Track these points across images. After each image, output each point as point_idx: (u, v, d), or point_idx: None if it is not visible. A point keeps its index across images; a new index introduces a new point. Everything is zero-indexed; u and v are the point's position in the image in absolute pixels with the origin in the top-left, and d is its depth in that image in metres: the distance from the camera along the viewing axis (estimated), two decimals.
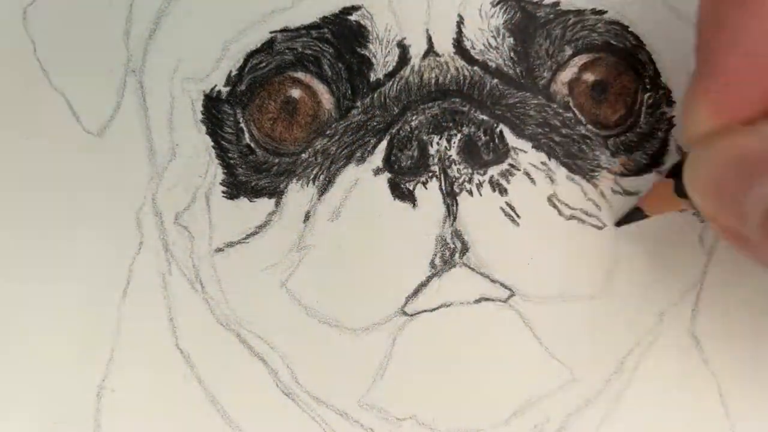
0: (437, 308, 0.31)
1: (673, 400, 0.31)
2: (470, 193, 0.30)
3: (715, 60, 0.24)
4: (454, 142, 0.30)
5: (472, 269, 0.30)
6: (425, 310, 0.31)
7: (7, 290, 0.32)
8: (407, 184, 0.30)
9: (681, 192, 0.27)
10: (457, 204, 0.30)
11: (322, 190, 0.31)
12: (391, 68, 0.31)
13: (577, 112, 0.32)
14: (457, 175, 0.30)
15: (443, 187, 0.30)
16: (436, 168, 0.30)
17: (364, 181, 0.31)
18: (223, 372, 0.32)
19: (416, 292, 0.31)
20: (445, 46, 0.31)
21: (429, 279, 0.31)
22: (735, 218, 0.24)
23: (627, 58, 0.32)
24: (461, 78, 0.31)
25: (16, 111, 0.33)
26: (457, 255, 0.30)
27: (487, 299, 0.31)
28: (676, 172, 0.27)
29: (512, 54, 0.31)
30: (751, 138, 0.24)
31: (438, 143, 0.30)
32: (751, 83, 0.24)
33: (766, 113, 0.24)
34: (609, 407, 0.31)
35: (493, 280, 0.30)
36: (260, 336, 0.32)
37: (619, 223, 0.31)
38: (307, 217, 0.31)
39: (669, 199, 0.28)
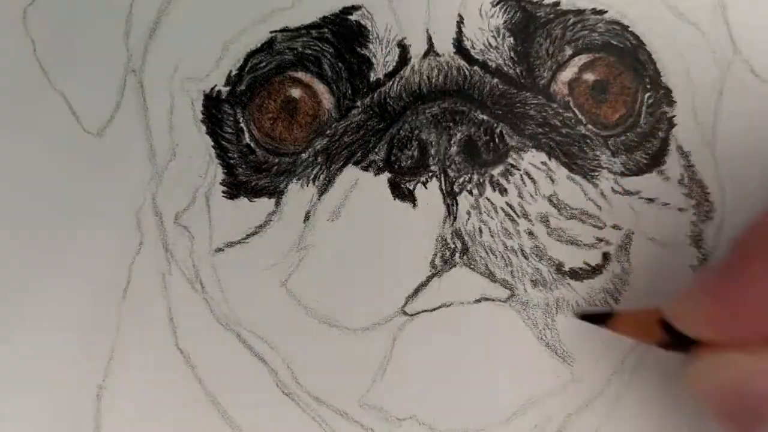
0: (437, 308, 0.31)
1: (673, 401, 0.31)
2: (470, 193, 0.30)
3: (746, 274, 0.24)
4: (454, 142, 0.30)
5: (472, 269, 0.30)
6: (425, 310, 0.31)
7: (7, 290, 0.32)
8: (407, 184, 0.30)
9: (666, 345, 0.27)
10: (457, 204, 0.30)
11: (322, 190, 0.31)
12: (391, 68, 0.31)
13: (577, 111, 0.32)
14: (457, 175, 0.30)
15: (443, 187, 0.30)
16: (436, 168, 0.30)
17: (364, 181, 0.31)
18: (223, 372, 0.32)
19: (416, 292, 0.31)
20: (445, 45, 0.31)
21: (429, 279, 0.31)
22: None
23: (627, 58, 0.32)
24: (461, 78, 0.31)
25: (16, 111, 0.33)
26: (457, 255, 0.30)
27: (487, 299, 0.31)
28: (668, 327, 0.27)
29: (512, 54, 0.31)
30: (756, 374, 0.24)
31: (438, 143, 0.30)
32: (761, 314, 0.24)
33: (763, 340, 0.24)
34: (609, 407, 0.31)
35: (493, 280, 0.30)
36: (260, 336, 0.32)
37: (582, 317, 0.31)
38: (307, 217, 0.31)
39: (646, 336, 0.28)
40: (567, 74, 0.32)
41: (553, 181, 0.31)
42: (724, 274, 0.25)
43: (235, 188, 0.32)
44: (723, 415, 0.25)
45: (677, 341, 0.27)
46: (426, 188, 0.30)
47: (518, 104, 0.31)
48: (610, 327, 0.30)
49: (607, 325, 0.30)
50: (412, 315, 0.31)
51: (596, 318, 0.30)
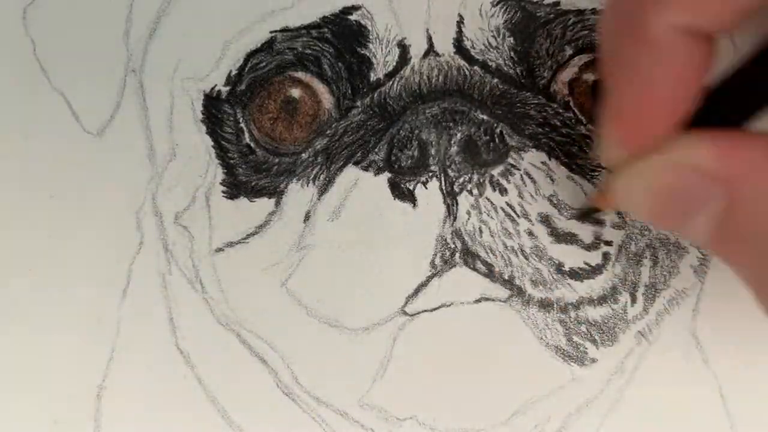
0: (437, 308, 0.31)
1: (673, 400, 0.31)
2: (470, 193, 0.30)
3: (617, 89, 0.24)
4: (454, 142, 0.30)
5: (472, 269, 0.30)
6: (425, 310, 0.31)
7: (7, 290, 0.32)
8: (407, 184, 0.30)
9: None
10: (457, 204, 0.30)
11: (322, 190, 0.31)
12: (391, 68, 0.31)
13: (577, 111, 0.32)
14: (457, 174, 0.30)
15: (443, 187, 0.30)
16: (436, 168, 0.30)
17: (364, 181, 0.31)
18: (223, 372, 0.32)
19: (416, 292, 0.31)
20: (445, 45, 0.31)
21: (429, 279, 0.31)
22: (683, 236, 0.25)
23: None
24: (461, 78, 0.31)
25: (16, 111, 0.33)
26: (457, 255, 0.30)
27: (487, 299, 0.31)
28: None
29: (512, 54, 0.31)
30: (672, 172, 0.24)
31: (438, 143, 0.30)
32: (651, 103, 0.24)
33: (676, 129, 0.24)
34: (609, 407, 0.31)
35: (493, 280, 0.30)
36: (260, 336, 0.32)
37: (578, 218, 0.31)
38: (307, 217, 0.31)
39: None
40: (567, 74, 0.32)
41: (553, 181, 0.31)
42: (606, 96, 0.25)
43: (235, 188, 0.32)
44: (657, 220, 0.26)
45: None
46: (426, 188, 0.30)
47: (518, 104, 0.31)
48: (599, 207, 0.30)
49: (598, 210, 0.30)
50: (412, 315, 0.31)
51: (587, 214, 0.31)
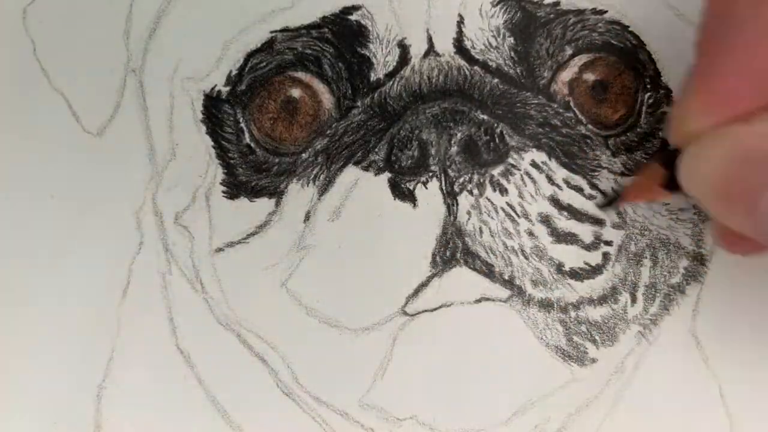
0: (437, 308, 0.31)
1: (673, 400, 0.31)
2: (470, 193, 0.30)
3: (715, 58, 0.24)
4: (455, 142, 0.30)
5: (473, 269, 0.30)
6: (425, 310, 0.31)
7: (7, 290, 0.32)
8: (407, 184, 0.30)
9: (671, 185, 0.26)
10: (457, 204, 0.30)
11: (322, 190, 0.31)
12: (391, 68, 0.31)
13: (577, 111, 0.32)
14: (457, 174, 0.30)
15: (443, 187, 0.30)
16: (436, 168, 0.30)
17: (364, 181, 0.31)
18: (223, 372, 0.32)
19: (416, 292, 0.31)
20: (445, 45, 0.31)
21: (429, 279, 0.31)
22: (745, 219, 0.23)
23: (627, 58, 0.32)
24: (462, 78, 0.31)
25: (16, 111, 0.33)
26: (457, 255, 0.30)
27: (487, 299, 0.31)
28: (668, 163, 0.26)
29: (513, 54, 0.31)
30: (756, 137, 0.23)
31: (438, 143, 0.30)
32: (749, 81, 0.23)
33: (760, 109, 0.23)
34: (609, 407, 0.31)
35: (493, 280, 0.30)
36: (260, 336, 0.32)
37: (602, 206, 0.31)
38: (307, 217, 0.31)
39: (655, 189, 0.28)
40: (567, 74, 0.32)
41: (553, 181, 0.31)
42: (699, 66, 0.24)
43: (235, 188, 0.32)
44: (725, 194, 0.24)
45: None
46: (426, 188, 0.30)
47: (518, 104, 0.31)
48: (626, 200, 0.30)
49: (622, 201, 0.30)
50: (412, 315, 0.31)
51: (612, 202, 0.31)
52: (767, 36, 0.23)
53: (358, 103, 0.31)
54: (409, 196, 0.30)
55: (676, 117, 0.25)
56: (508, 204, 0.30)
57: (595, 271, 0.31)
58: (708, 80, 0.24)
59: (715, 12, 0.24)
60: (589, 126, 0.31)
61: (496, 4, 0.32)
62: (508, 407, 0.31)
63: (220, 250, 0.32)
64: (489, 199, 0.30)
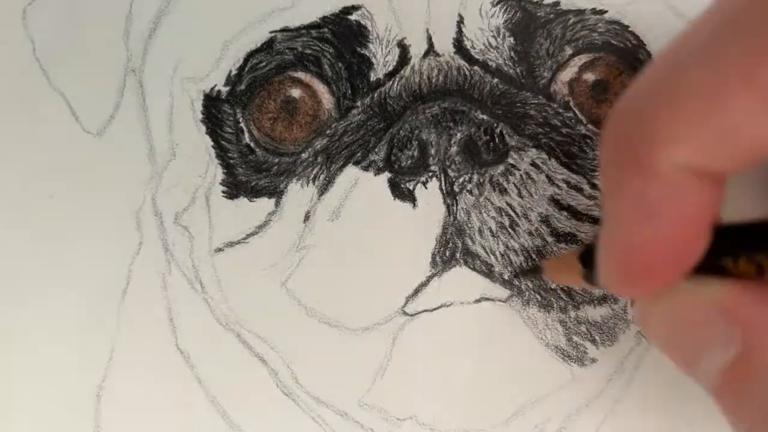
0: (437, 308, 0.31)
1: (673, 401, 0.31)
2: (470, 193, 0.30)
3: (610, 216, 0.23)
4: (455, 142, 0.30)
5: (472, 269, 0.30)
6: (425, 310, 0.31)
7: (7, 290, 0.32)
8: (407, 184, 0.30)
9: (589, 279, 0.26)
10: (457, 204, 0.30)
11: (322, 190, 0.31)
12: (391, 68, 0.31)
13: (577, 111, 0.32)
14: (457, 174, 0.30)
15: (443, 187, 0.30)
16: (436, 168, 0.30)
17: (364, 181, 0.31)
18: (223, 372, 0.32)
19: (416, 292, 0.31)
20: (445, 45, 0.31)
21: (429, 279, 0.31)
22: (691, 375, 0.24)
23: (627, 58, 0.32)
24: (461, 78, 0.31)
25: (16, 111, 0.33)
26: (457, 255, 0.30)
27: (487, 299, 0.31)
28: (587, 258, 0.26)
29: (512, 54, 0.31)
30: (694, 306, 0.23)
31: (438, 143, 0.30)
32: (656, 242, 0.22)
33: (684, 270, 0.23)
34: (609, 407, 0.31)
35: (493, 280, 0.30)
36: (260, 336, 0.32)
37: (516, 275, 0.30)
38: (307, 217, 0.31)
39: (574, 278, 0.27)
40: (567, 74, 0.32)
41: (553, 181, 0.31)
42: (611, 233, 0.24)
43: (235, 188, 0.32)
44: (669, 351, 0.25)
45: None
46: (426, 188, 0.30)
47: (518, 104, 0.31)
48: (543, 275, 0.30)
49: (540, 275, 0.30)
50: (412, 315, 0.31)
51: (528, 273, 0.30)
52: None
53: (358, 103, 0.31)
54: (409, 196, 0.30)
55: (602, 279, 0.25)
56: (508, 204, 0.30)
57: None
58: (618, 248, 0.23)
59: (607, 178, 0.24)
60: (589, 126, 0.31)
61: (496, 4, 0.32)
62: (508, 407, 0.31)
63: (220, 250, 0.32)
64: (489, 199, 0.30)
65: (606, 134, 0.23)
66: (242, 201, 0.32)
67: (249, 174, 0.32)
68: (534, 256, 0.30)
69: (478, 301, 0.31)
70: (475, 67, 0.31)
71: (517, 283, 0.30)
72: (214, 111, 0.32)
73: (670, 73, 0.22)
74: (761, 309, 0.22)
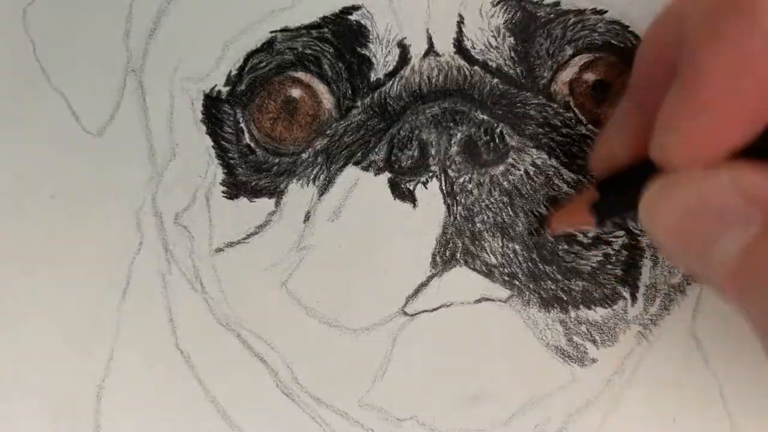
0: (437, 308, 0.31)
1: (673, 401, 0.31)
2: (470, 193, 0.30)
3: (701, 69, 0.23)
4: (455, 142, 0.30)
5: (472, 269, 0.30)
6: (425, 310, 0.31)
7: (7, 290, 0.32)
8: (407, 184, 0.30)
9: (599, 213, 0.27)
10: (457, 204, 0.30)
11: (322, 190, 0.31)
12: (391, 68, 0.31)
13: (577, 111, 0.32)
14: (457, 175, 0.30)
15: (443, 187, 0.30)
16: (436, 168, 0.30)
17: (364, 181, 0.31)
18: (223, 372, 0.32)
19: (416, 292, 0.31)
20: (445, 45, 0.31)
21: (429, 279, 0.31)
22: (699, 265, 0.24)
23: (628, 58, 0.32)
24: (461, 78, 0.31)
25: (16, 111, 0.33)
26: (457, 255, 0.30)
27: (487, 299, 0.31)
28: (603, 190, 0.27)
29: (513, 54, 0.31)
30: (714, 189, 0.23)
31: (438, 143, 0.30)
32: (731, 117, 0.23)
33: (738, 149, 0.23)
34: (609, 407, 0.31)
35: (493, 280, 0.30)
36: (260, 336, 0.32)
37: (531, 228, 0.31)
38: (307, 217, 0.31)
39: (582, 213, 0.28)
40: (567, 74, 0.32)
41: (553, 181, 0.31)
42: (681, 98, 0.23)
43: (235, 188, 0.32)
44: (680, 239, 0.24)
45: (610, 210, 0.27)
46: (426, 188, 0.30)
47: (518, 104, 0.31)
48: (552, 226, 0.30)
49: (550, 226, 0.30)
50: (412, 315, 0.31)
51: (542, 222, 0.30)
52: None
53: (358, 103, 0.31)
54: (409, 196, 0.30)
55: (660, 138, 0.25)
56: (508, 204, 0.30)
57: (595, 271, 0.31)
58: (696, 112, 0.23)
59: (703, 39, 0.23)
60: (590, 126, 0.31)
61: (496, 4, 0.32)
62: (508, 407, 0.31)
63: (220, 250, 0.32)
64: (489, 200, 0.30)
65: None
66: (242, 201, 0.32)
67: (249, 174, 0.32)
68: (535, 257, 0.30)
69: (478, 301, 0.31)
70: (476, 67, 0.31)
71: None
72: (214, 111, 0.32)
73: None
74: None
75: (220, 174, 0.32)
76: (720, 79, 0.22)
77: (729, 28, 0.22)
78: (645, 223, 0.25)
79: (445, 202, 0.30)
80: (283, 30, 0.32)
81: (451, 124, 0.30)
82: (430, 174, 0.30)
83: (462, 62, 0.31)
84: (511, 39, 0.31)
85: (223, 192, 0.32)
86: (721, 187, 0.23)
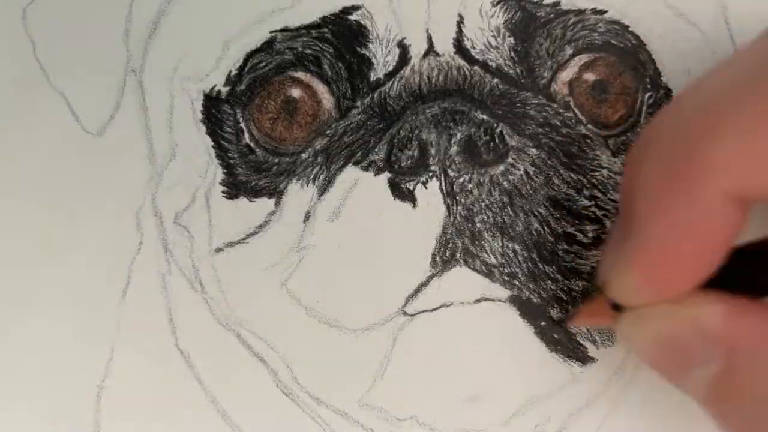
0: (437, 308, 0.31)
1: (673, 401, 0.31)
2: (470, 192, 0.30)
3: (647, 233, 0.24)
4: (455, 142, 0.30)
5: (472, 269, 0.30)
6: (425, 310, 0.31)
7: (7, 290, 0.32)
8: (407, 184, 0.30)
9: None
10: (457, 204, 0.30)
11: (322, 190, 0.31)
12: (391, 68, 0.31)
13: (577, 111, 0.32)
14: (457, 174, 0.30)
15: (443, 187, 0.30)
16: (436, 168, 0.30)
17: (364, 181, 0.31)
18: (223, 372, 0.32)
19: (416, 292, 0.31)
20: (445, 45, 0.31)
21: (429, 279, 0.31)
22: (680, 387, 0.25)
23: (627, 58, 0.32)
24: (461, 78, 0.31)
25: (16, 111, 0.33)
26: (457, 255, 0.30)
27: (487, 299, 0.31)
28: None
29: (512, 54, 0.31)
30: (676, 328, 0.24)
31: (438, 143, 0.30)
32: (683, 258, 0.24)
33: (696, 285, 0.24)
34: (610, 407, 0.31)
35: (493, 280, 0.30)
36: (260, 336, 0.32)
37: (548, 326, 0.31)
38: (307, 217, 0.31)
39: (606, 315, 0.28)
40: (567, 74, 0.32)
41: (553, 181, 0.31)
42: (630, 242, 0.25)
43: (235, 188, 0.32)
44: (657, 367, 0.26)
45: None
46: (426, 188, 0.30)
47: (518, 104, 0.31)
48: (574, 324, 0.30)
49: (569, 324, 0.31)
50: (412, 315, 0.31)
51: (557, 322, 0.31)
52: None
53: (358, 103, 0.31)
54: (409, 196, 0.30)
55: (611, 283, 0.26)
56: (508, 204, 0.30)
57: (595, 271, 0.31)
58: (646, 257, 0.24)
59: (632, 189, 0.25)
60: (589, 126, 0.31)
61: (496, 4, 0.32)
62: (508, 407, 0.31)
63: (219, 250, 0.32)
64: (489, 199, 0.30)
65: (648, 152, 0.24)
66: (242, 201, 0.32)
67: (249, 174, 0.32)
68: (537, 262, 0.30)
69: (478, 301, 0.31)
70: (475, 67, 0.31)
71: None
72: (214, 111, 0.32)
73: (719, 97, 0.23)
74: (746, 328, 0.24)
75: (220, 174, 0.32)
76: (662, 245, 0.24)
77: (671, 201, 0.23)
78: (625, 344, 0.27)
79: (445, 202, 0.30)
80: (283, 30, 0.32)
81: (451, 124, 0.30)
82: (430, 174, 0.30)
83: (462, 62, 0.31)
84: (511, 39, 0.31)
85: (223, 192, 0.32)
86: (681, 326, 0.24)
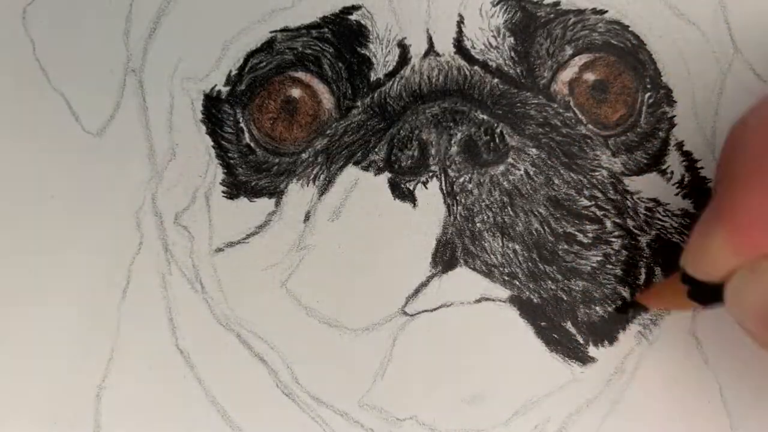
0: (437, 308, 0.31)
1: (673, 401, 0.31)
2: (470, 192, 0.30)
3: (742, 199, 0.24)
4: (455, 142, 0.30)
5: (472, 269, 0.30)
6: (425, 310, 0.31)
7: (7, 290, 0.32)
8: (407, 184, 0.30)
9: (697, 297, 0.27)
10: (457, 204, 0.30)
11: (322, 190, 0.31)
12: (391, 68, 0.31)
13: (577, 111, 0.32)
14: (457, 174, 0.30)
15: (443, 187, 0.30)
16: (436, 168, 0.30)
17: (364, 181, 0.31)
18: (223, 372, 0.32)
19: (416, 292, 0.31)
20: (445, 45, 0.31)
21: (429, 279, 0.31)
22: None
23: (627, 58, 0.32)
24: (461, 78, 0.31)
25: (16, 111, 0.33)
26: (457, 255, 0.30)
27: (487, 299, 0.31)
28: (689, 281, 0.27)
29: (513, 54, 0.31)
30: None
31: (438, 143, 0.30)
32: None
33: None
34: (609, 407, 0.31)
35: (493, 280, 0.30)
36: (260, 336, 0.32)
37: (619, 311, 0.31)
38: (307, 217, 0.31)
39: (681, 302, 0.28)
40: (567, 74, 0.32)
41: (553, 181, 0.31)
42: (723, 209, 0.25)
43: (235, 188, 0.32)
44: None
45: (710, 293, 0.27)
46: (426, 188, 0.30)
47: (518, 104, 0.31)
48: (650, 307, 0.31)
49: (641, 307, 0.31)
50: (412, 315, 0.31)
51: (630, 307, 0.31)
52: None
53: (358, 103, 0.31)
54: (409, 196, 0.30)
55: (700, 254, 0.26)
56: (508, 204, 0.30)
57: (595, 271, 0.31)
58: (734, 219, 0.25)
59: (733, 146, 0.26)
60: (589, 126, 0.31)
61: (496, 4, 0.32)
62: (508, 407, 0.31)
63: (220, 250, 0.32)
64: (489, 199, 0.30)
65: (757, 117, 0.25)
66: (242, 201, 0.32)
67: (249, 174, 0.32)
68: (540, 265, 0.30)
69: (478, 301, 0.31)
70: (476, 67, 0.31)
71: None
72: (214, 111, 0.32)
73: None
74: None
75: (220, 174, 0.32)
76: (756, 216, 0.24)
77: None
78: (732, 312, 0.26)
79: (445, 202, 0.30)
80: (283, 30, 0.32)
81: (451, 124, 0.30)
82: (430, 174, 0.30)
83: (462, 62, 0.31)
84: (511, 39, 0.31)
85: (223, 192, 0.32)
86: None
